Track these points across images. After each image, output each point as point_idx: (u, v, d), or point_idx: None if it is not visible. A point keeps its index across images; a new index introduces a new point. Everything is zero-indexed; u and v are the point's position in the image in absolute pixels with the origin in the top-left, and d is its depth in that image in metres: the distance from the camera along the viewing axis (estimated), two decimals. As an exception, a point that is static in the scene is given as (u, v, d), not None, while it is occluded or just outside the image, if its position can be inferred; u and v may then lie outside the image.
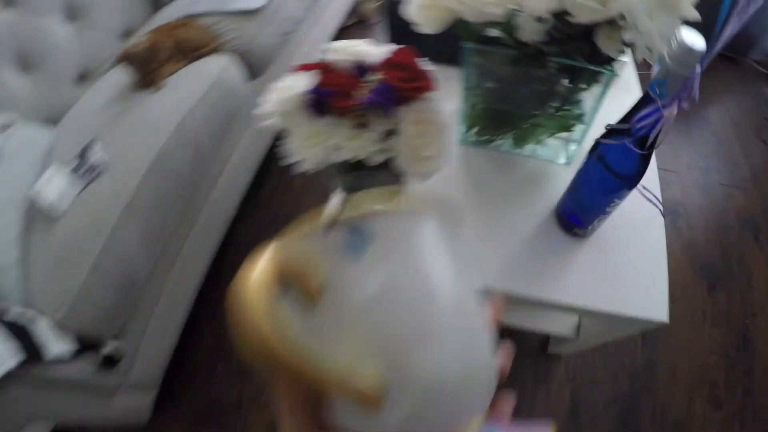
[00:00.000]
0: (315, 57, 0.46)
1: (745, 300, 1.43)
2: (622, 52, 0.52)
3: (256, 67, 1.51)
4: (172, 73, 1.29)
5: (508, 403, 0.27)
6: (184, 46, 1.33)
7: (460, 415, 0.23)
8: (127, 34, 1.65)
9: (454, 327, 0.22)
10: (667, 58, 0.41)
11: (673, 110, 0.43)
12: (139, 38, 1.27)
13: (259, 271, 0.19)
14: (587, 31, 0.50)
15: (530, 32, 0.51)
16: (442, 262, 0.23)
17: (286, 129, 0.46)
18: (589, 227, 0.65)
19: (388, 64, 0.42)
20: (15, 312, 0.95)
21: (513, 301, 0.66)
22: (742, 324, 1.39)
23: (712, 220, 1.61)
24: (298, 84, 0.45)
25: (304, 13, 1.72)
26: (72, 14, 1.49)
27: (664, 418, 1.22)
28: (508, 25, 0.51)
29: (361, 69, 0.44)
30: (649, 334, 1.34)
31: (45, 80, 1.40)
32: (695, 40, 0.40)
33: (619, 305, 0.66)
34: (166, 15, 1.60)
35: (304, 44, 1.81)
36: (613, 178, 0.52)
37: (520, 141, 0.74)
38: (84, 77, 1.52)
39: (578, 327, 1.02)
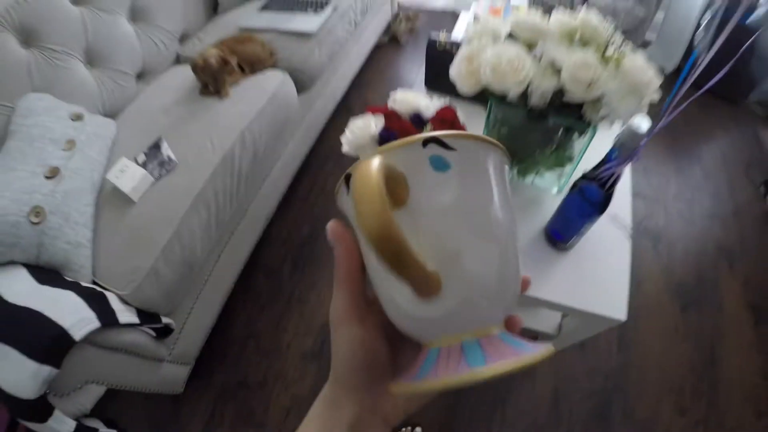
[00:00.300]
0: (384, 102, 0.66)
1: (715, 321, 1.57)
2: (602, 119, 0.72)
3: (306, 83, 1.69)
4: (235, 84, 1.48)
5: (519, 322, 0.30)
6: (247, 59, 1.52)
7: (492, 313, 0.26)
8: (184, 37, 1.80)
9: (501, 242, 0.26)
10: (622, 136, 0.61)
11: (623, 168, 0.63)
12: (209, 50, 1.43)
13: (377, 164, 0.20)
14: (578, 104, 0.70)
15: (538, 100, 0.72)
16: (500, 189, 0.27)
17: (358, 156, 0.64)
18: (569, 243, 0.86)
19: (438, 119, 0.62)
20: (85, 286, 1.05)
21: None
22: (710, 342, 1.51)
23: (691, 247, 1.76)
24: (369, 124, 0.65)
25: (348, 35, 1.91)
26: (136, 15, 1.63)
27: (634, 416, 1.36)
28: (522, 95, 0.72)
29: (418, 117, 0.64)
30: (624, 341, 1.50)
31: (109, 75, 1.52)
32: (641, 124, 0.60)
33: (588, 304, 0.86)
34: (223, 24, 1.78)
35: (344, 62, 2.00)
36: (587, 206, 0.72)
37: (523, 172, 0.95)
38: (142, 75, 1.66)
39: (560, 326, 1.22)
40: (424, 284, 0.23)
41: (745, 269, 1.72)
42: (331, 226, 0.27)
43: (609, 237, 0.93)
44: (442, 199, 0.25)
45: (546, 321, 1.25)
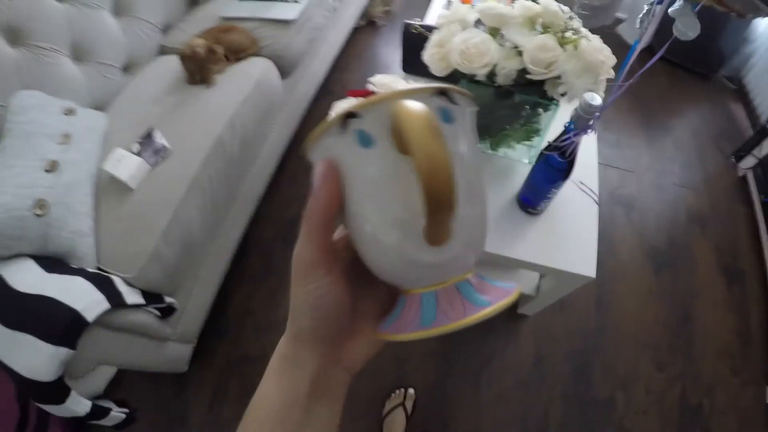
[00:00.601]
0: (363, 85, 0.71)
1: (688, 282, 1.67)
2: (563, 94, 0.80)
3: (288, 69, 1.75)
4: (221, 72, 1.53)
5: None
6: (231, 48, 1.57)
7: (475, 257, 0.28)
8: (167, 28, 1.82)
9: (485, 190, 0.28)
10: (578, 109, 0.68)
11: (580, 138, 0.71)
12: (195, 40, 1.46)
13: (419, 103, 0.21)
14: (540, 82, 0.78)
15: (504, 79, 0.79)
16: (466, 139, 0.27)
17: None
18: (538, 207, 0.95)
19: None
20: (91, 271, 1.10)
21: (490, 263, 0.94)
22: (684, 302, 1.62)
23: (663, 214, 1.86)
24: (350, 106, 0.71)
25: (326, 21, 1.96)
26: (119, 9, 1.64)
27: (613, 372, 1.46)
28: (489, 75, 0.79)
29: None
30: (602, 303, 1.59)
31: (96, 69, 1.54)
32: (594, 98, 0.67)
33: (560, 263, 0.95)
34: (204, 14, 1.81)
35: (324, 47, 2.05)
36: (552, 173, 0.81)
37: (495, 145, 1.03)
38: (128, 67, 1.68)
39: (538, 287, 1.32)
40: (444, 231, 0.23)
41: (717, 234, 1.82)
42: (324, 164, 0.25)
43: (578, 202, 1.02)
44: (455, 147, 0.25)
45: (525, 283, 1.35)
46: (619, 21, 2.61)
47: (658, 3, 0.58)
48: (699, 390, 1.44)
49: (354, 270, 0.29)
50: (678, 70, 2.50)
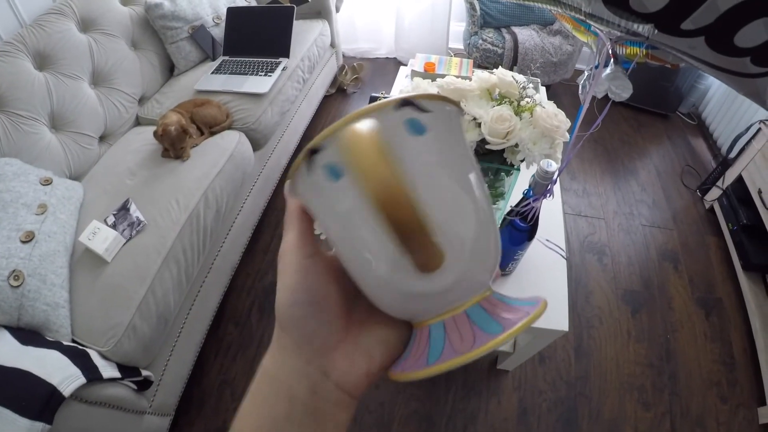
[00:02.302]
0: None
1: (666, 319, 1.70)
2: (522, 160, 0.84)
3: (260, 140, 1.81)
4: (195, 146, 1.57)
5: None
6: (205, 121, 1.63)
7: (486, 276, 0.26)
8: (143, 99, 1.88)
9: (486, 203, 0.25)
10: (535, 176, 0.72)
11: (540, 203, 0.74)
12: (169, 116, 1.52)
13: (369, 124, 0.20)
14: (499, 150, 0.82)
15: (464, 149, 0.83)
16: (469, 150, 0.26)
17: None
18: (507, 268, 0.98)
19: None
20: (66, 344, 1.09)
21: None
22: (665, 339, 1.64)
23: (635, 256, 1.90)
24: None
25: (297, 92, 2.05)
26: (97, 80, 1.71)
27: (600, 417, 1.45)
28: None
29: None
30: (581, 350, 1.60)
31: (73, 138, 1.57)
32: (550, 164, 0.71)
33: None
34: (179, 87, 1.88)
35: (295, 117, 2.13)
36: (517, 235, 0.84)
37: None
38: (104, 137, 1.72)
39: (514, 343, 1.33)
40: (432, 255, 0.21)
41: (690, 267, 1.87)
42: (292, 204, 0.25)
43: (546, 259, 1.05)
44: (426, 161, 0.23)
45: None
46: (579, 72, 2.76)
47: (596, 67, 0.62)
48: (689, 422, 1.45)
49: (347, 277, 0.26)
50: (638, 114, 2.63)
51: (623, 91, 0.63)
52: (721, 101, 2.38)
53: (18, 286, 1.07)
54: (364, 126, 0.20)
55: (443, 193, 0.24)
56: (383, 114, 0.22)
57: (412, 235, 0.20)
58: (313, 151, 0.23)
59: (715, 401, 1.50)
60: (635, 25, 0.35)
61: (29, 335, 1.07)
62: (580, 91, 0.72)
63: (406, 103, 0.23)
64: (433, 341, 0.24)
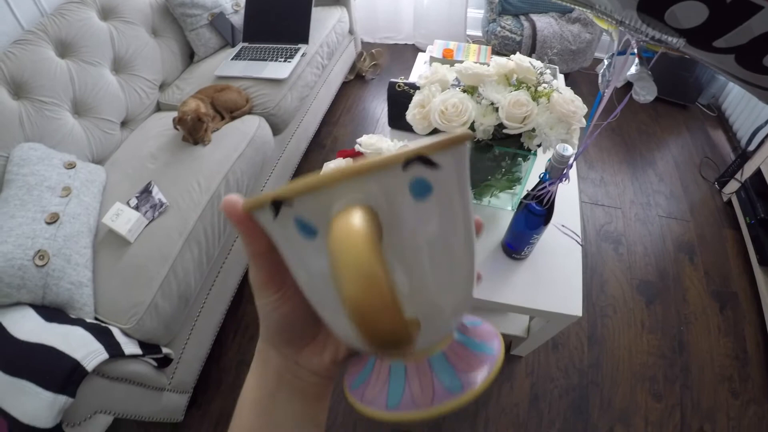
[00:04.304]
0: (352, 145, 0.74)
1: (679, 311, 1.69)
2: (539, 145, 0.85)
3: (280, 125, 1.83)
4: (216, 130, 1.60)
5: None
6: (226, 106, 1.65)
7: (456, 323, 0.25)
8: (164, 85, 1.91)
9: (472, 259, 0.24)
10: (551, 160, 0.73)
11: (556, 187, 0.75)
12: (189, 103, 1.54)
13: (359, 223, 0.16)
14: (516, 135, 0.83)
15: (483, 134, 0.84)
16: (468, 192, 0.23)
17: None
18: (522, 252, 0.99)
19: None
20: (90, 322, 1.13)
21: (479, 308, 0.97)
22: (678, 330, 1.63)
23: (651, 247, 1.89)
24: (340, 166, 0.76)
25: (316, 78, 2.06)
26: (118, 66, 1.74)
27: (611, 406, 1.46)
28: (469, 129, 0.84)
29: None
30: (594, 339, 1.60)
31: (95, 123, 1.61)
32: (566, 148, 0.72)
33: (547, 305, 0.98)
34: (199, 73, 1.90)
35: (314, 103, 2.15)
36: (533, 219, 0.85)
37: (479, 195, 1.08)
38: (126, 122, 1.75)
39: (528, 328, 1.34)
40: (406, 341, 0.17)
41: (705, 260, 1.85)
42: (228, 206, 0.23)
43: (561, 244, 1.06)
44: (423, 234, 0.20)
45: (515, 325, 1.37)
46: (599, 61, 2.72)
47: (620, 54, 0.62)
48: (699, 416, 1.44)
49: None
50: (657, 104, 2.59)
51: (648, 93, 0.62)
52: (741, 93, 2.33)
53: (43, 266, 1.10)
54: (363, 191, 0.17)
55: (435, 273, 0.21)
56: (385, 175, 0.18)
57: (389, 346, 0.17)
58: (281, 203, 0.19)
59: (727, 396, 1.49)
60: (667, 37, 0.35)
61: (53, 313, 1.10)
62: (599, 80, 0.72)
63: (417, 158, 0.19)
64: (393, 381, 0.24)
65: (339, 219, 0.17)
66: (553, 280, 1.01)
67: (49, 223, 1.18)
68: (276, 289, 0.27)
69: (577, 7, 0.43)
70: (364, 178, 0.18)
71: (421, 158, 0.19)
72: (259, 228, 0.23)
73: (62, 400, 0.93)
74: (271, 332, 0.29)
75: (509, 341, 1.53)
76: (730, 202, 2.03)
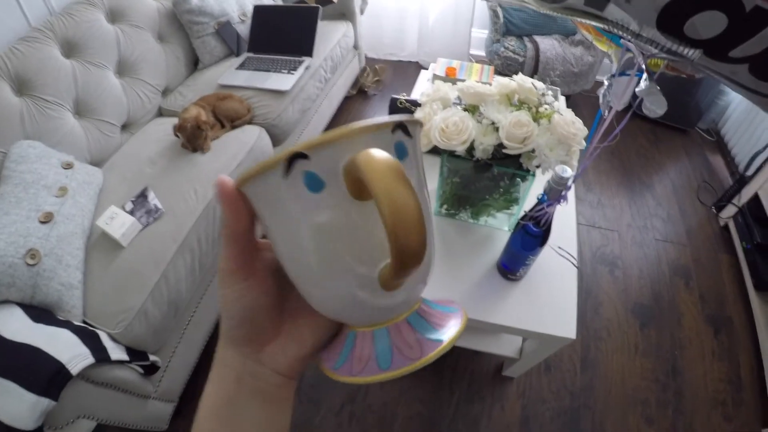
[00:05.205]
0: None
1: (674, 335, 1.68)
2: (538, 166, 0.85)
3: (280, 137, 1.84)
4: (216, 138, 1.60)
5: None
6: (227, 115, 1.65)
7: (425, 285, 0.28)
8: (166, 91, 1.92)
9: (432, 222, 0.27)
10: (550, 181, 0.73)
11: (554, 208, 0.75)
12: (190, 109, 1.55)
13: (388, 156, 0.19)
14: (516, 155, 0.83)
15: (482, 154, 0.84)
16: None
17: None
18: (517, 273, 0.98)
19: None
20: (77, 324, 1.11)
21: (472, 328, 0.96)
22: (672, 355, 1.62)
23: (646, 270, 1.88)
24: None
25: (319, 91, 2.07)
26: (122, 69, 1.74)
27: (603, 429, 1.43)
28: (468, 150, 0.84)
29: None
30: (587, 361, 1.59)
31: (96, 125, 1.61)
32: (565, 170, 0.72)
33: (540, 326, 0.97)
34: (203, 80, 1.91)
35: (315, 116, 2.16)
36: (529, 240, 0.84)
37: (476, 215, 1.08)
38: (126, 126, 1.75)
39: (521, 349, 1.33)
40: (407, 276, 0.21)
41: (701, 284, 1.85)
42: (221, 184, 0.24)
43: (557, 266, 1.05)
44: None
45: (508, 346, 1.36)
46: (600, 84, 2.73)
47: (621, 74, 0.62)
48: (691, 442, 1.42)
49: (279, 275, 0.28)
50: (657, 127, 2.61)
51: (658, 107, 0.62)
52: (741, 118, 2.35)
53: (34, 265, 1.09)
54: (379, 154, 0.20)
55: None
56: (381, 134, 0.23)
57: (411, 263, 0.20)
58: (298, 157, 0.21)
59: (719, 420, 1.47)
60: (683, 49, 0.36)
61: (41, 313, 1.09)
62: (600, 101, 0.72)
63: (399, 125, 0.23)
64: (379, 347, 0.25)
65: (368, 154, 0.19)
66: (547, 301, 1.01)
67: (42, 222, 1.17)
68: (244, 276, 0.27)
69: (588, 22, 0.43)
70: (369, 134, 0.22)
71: (402, 126, 0.23)
72: (244, 207, 0.24)
73: (45, 402, 0.92)
74: (234, 325, 0.28)
75: (501, 362, 1.51)
76: (726, 226, 2.03)
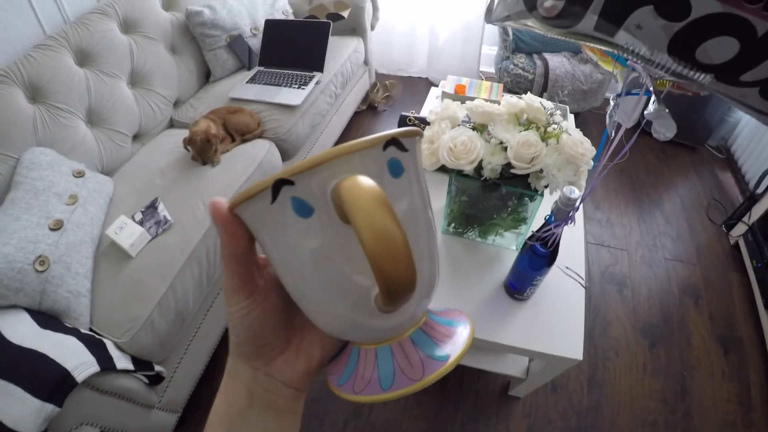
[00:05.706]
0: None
1: (683, 355, 1.65)
2: (546, 186, 0.84)
3: (290, 151, 1.86)
4: (226, 151, 1.61)
5: None
6: (237, 128, 1.67)
7: (429, 301, 0.27)
8: (178, 102, 1.94)
9: (435, 238, 0.27)
10: (557, 202, 0.73)
11: (561, 229, 0.75)
12: (200, 122, 1.57)
13: (372, 184, 0.19)
14: (524, 175, 0.83)
15: (490, 173, 0.84)
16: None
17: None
18: (525, 293, 0.98)
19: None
20: (84, 332, 1.12)
21: (478, 347, 0.95)
22: (681, 375, 1.59)
23: (656, 289, 1.86)
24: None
25: (329, 107, 2.09)
26: (135, 80, 1.77)
27: (610, 451, 1.41)
28: (476, 169, 0.84)
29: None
30: (595, 381, 1.57)
31: (108, 135, 1.63)
32: (573, 191, 0.72)
33: (547, 347, 0.96)
34: (214, 93, 1.93)
35: (325, 131, 2.17)
36: (536, 260, 0.84)
37: (483, 234, 1.08)
38: (138, 136, 1.77)
39: (527, 369, 1.31)
40: (413, 288, 0.20)
41: (711, 304, 1.82)
42: (215, 206, 0.24)
43: (565, 286, 1.04)
44: (401, 209, 0.23)
45: (515, 366, 1.34)
46: (609, 102, 2.73)
47: (628, 94, 0.63)
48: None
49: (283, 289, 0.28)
50: (666, 145, 2.59)
51: (667, 130, 0.62)
52: (751, 135, 2.33)
53: (43, 271, 1.10)
54: (356, 164, 0.20)
55: (417, 233, 0.24)
56: (370, 154, 0.22)
57: (402, 295, 0.19)
58: (283, 183, 0.21)
59: (729, 442, 1.45)
60: (694, 74, 0.36)
61: (48, 320, 1.10)
62: (607, 121, 0.72)
63: (392, 141, 0.23)
64: (381, 366, 0.25)
65: (350, 182, 0.19)
66: (554, 322, 1.00)
67: (52, 230, 1.19)
68: (248, 294, 0.27)
69: (597, 46, 0.43)
70: (355, 154, 0.21)
71: (395, 141, 0.23)
72: (240, 229, 0.24)
73: (49, 408, 0.92)
74: (242, 341, 0.28)
75: (507, 381, 1.50)
76: (737, 245, 2.01)
